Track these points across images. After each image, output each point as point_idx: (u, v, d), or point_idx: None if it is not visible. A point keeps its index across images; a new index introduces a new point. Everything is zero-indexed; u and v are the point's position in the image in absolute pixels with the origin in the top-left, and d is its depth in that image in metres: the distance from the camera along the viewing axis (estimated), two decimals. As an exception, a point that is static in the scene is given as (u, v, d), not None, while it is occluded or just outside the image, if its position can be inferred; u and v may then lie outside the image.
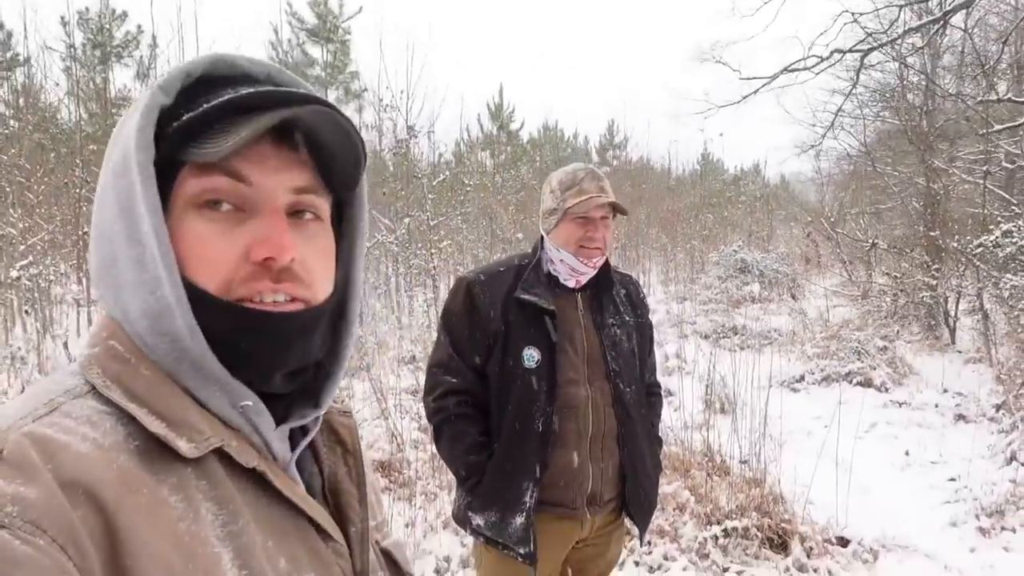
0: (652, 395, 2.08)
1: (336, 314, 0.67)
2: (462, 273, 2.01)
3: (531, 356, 1.81)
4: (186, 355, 0.55)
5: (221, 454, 0.55)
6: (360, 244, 0.69)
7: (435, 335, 2.02)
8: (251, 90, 0.56)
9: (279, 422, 0.61)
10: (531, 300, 1.82)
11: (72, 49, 11.28)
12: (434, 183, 10.95)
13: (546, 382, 1.80)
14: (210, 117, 0.55)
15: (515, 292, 1.84)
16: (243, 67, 0.60)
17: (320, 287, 0.61)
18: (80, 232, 7.96)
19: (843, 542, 3.88)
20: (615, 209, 1.87)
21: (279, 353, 0.58)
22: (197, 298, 0.55)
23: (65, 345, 5.63)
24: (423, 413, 2.53)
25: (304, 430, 0.66)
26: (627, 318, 1.97)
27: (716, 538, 3.81)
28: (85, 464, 0.47)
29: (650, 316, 2.14)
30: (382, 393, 5.16)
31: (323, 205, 0.62)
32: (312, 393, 0.65)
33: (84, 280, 7.62)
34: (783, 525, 3.90)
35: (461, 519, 1.91)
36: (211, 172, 0.55)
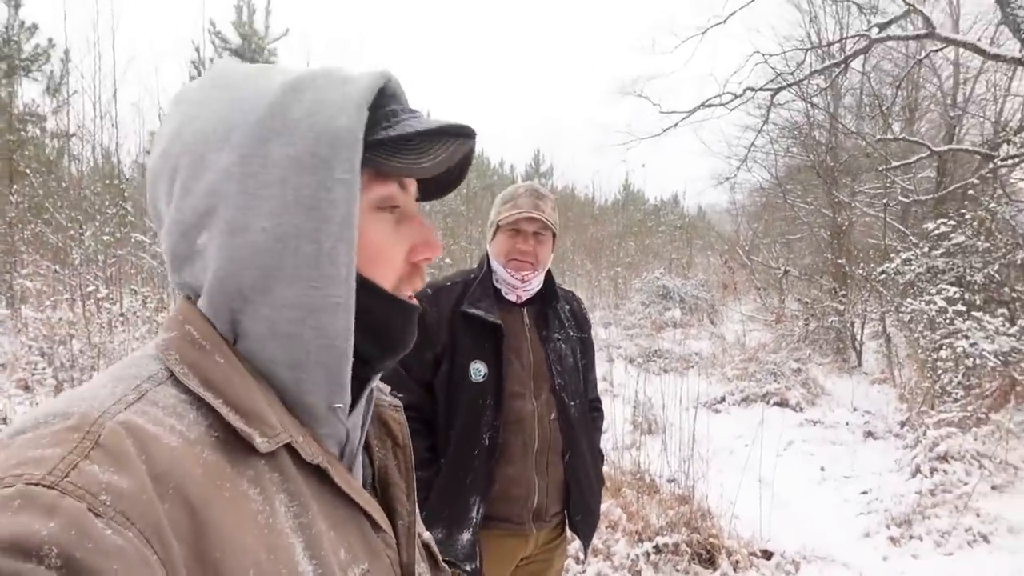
0: (594, 410, 2.11)
1: None
2: None
3: (478, 370, 1.81)
4: (322, 352, 0.57)
5: (289, 448, 0.56)
6: None
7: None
8: (449, 122, 0.61)
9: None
10: (477, 314, 1.82)
11: (-27, 60, 10.64)
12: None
13: (492, 396, 1.80)
14: (410, 136, 0.59)
15: (462, 306, 1.84)
16: (393, 85, 0.63)
17: None
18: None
19: (767, 555, 4.02)
20: (530, 218, 1.86)
21: (411, 340, 0.66)
22: (369, 292, 0.59)
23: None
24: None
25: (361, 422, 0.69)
26: (572, 333, 2.00)
27: (648, 555, 3.87)
28: (174, 459, 0.48)
29: (592, 332, 2.19)
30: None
31: None
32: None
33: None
34: (711, 540, 4.01)
35: None
36: (390, 180, 0.61)
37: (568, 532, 2.02)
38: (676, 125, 11.30)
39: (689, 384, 7.37)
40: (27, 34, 11.02)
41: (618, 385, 7.32)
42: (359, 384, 0.63)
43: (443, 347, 1.83)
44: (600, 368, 8.29)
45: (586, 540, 1.99)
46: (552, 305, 1.97)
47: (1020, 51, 8.51)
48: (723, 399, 7.55)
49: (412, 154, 0.59)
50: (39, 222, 8.24)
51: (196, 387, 0.53)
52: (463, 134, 0.62)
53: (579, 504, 1.93)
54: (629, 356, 9.33)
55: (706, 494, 4.55)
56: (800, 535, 4.15)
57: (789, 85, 10.64)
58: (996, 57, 9.03)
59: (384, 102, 0.60)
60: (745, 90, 10.60)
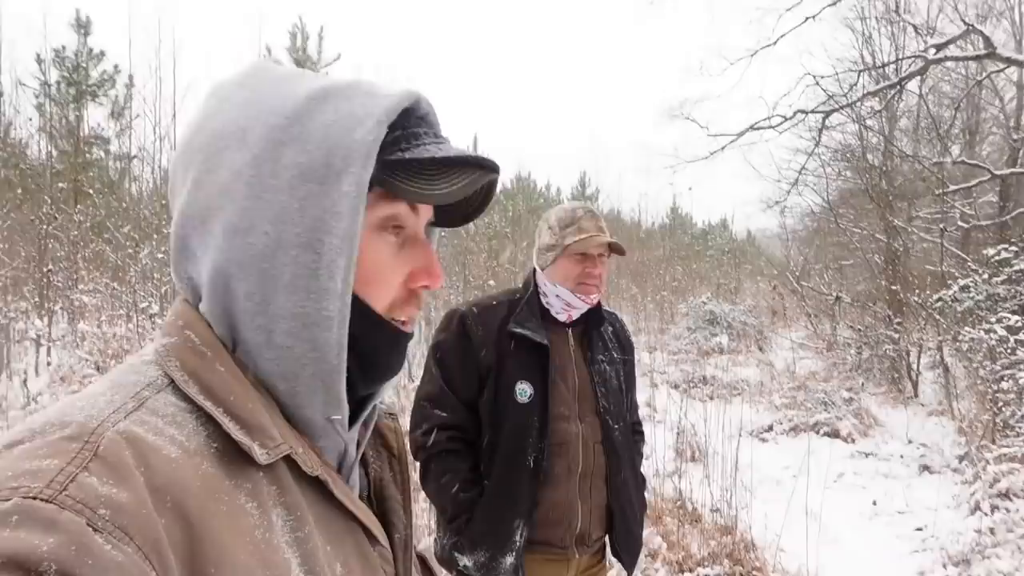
0: (636, 433, 2.08)
1: None
2: (454, 306, 1.99)
3: (524, 391, 1.80)
4: (315, 364, 0.56)
5: (288, 460, 0.55)
6: None
7: (405, 380, 2.01)
8: (471, 154, 0.60)
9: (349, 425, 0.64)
10: (525, 334, 1.81)
11: (47, 86, 11.23)
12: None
13: (538, 417, 1.78)
14: (426, 160, 0.58)
15: (508, 325, 1.83)
16: (425, 107, 0.62)
17: None
18: (44, 269, 7.80)
19: (814, 591, 3.86)
20: (612, 249, 1.89)
21: (398, 367, 0.64)
22: (365, 317, 0.59)
23: (24, 383, 5.46)
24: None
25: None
26: (615, 355, 1.98)
27: (689, 586, 3.77)
28: (173, 471, 0.47)
29: (635, 355, 2.17)
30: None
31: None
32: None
33: (47, 317, 7.44)
34: (755, 573, 3.88)
35: (446, 560, 1.86)
36: (399, 200, 0.59)
37: (609, 558, 1.99)
38: (724, 148, 11.17)
39: (735, 412, 7.20)
40: (95, 61, 11.61)
41: (661, 411, 7.18)
42: (358, 401, 0.63)
43: (488, 367, 1.82)
44: (643, 393, 8.18)
45: (629, 567, 1.95)
46: (597, 327, 1.95)
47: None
48: (770, 428, 7.33)
49: (426, 179, 0.57)
50: (100, 240, 8.60)
51: (196, 396, 0.52)
52: (483, 167, 0.60)
53: (622, 529, 1.90)
54: (673, 382, 9.17)
55: (750, 525, 4.42)
56: (849, 571, 3.99)
57: (842, 107, 10.44)
58: (1062, 78, 8.71)
59: (411, 123, 0.59)
60: (796, 112, 10.43)
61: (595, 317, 1.95)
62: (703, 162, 11.39)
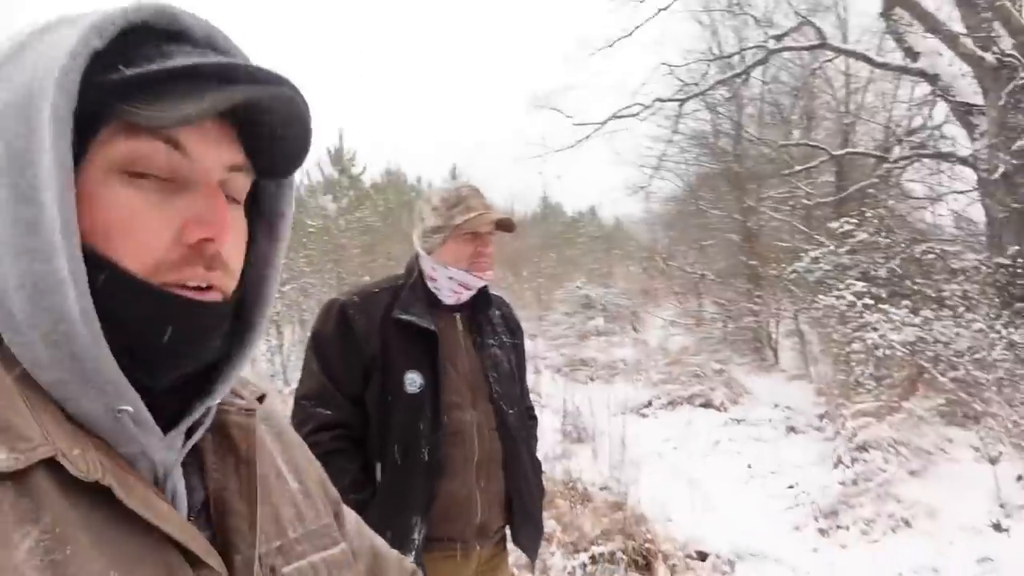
0: (530, 418, 2.02)
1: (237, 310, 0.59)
2: (333, 296, 1.85)
3: (413, 380, 1.68)
4: (69, 342, 0.46)
5: (55, 465, 0.44)
6: (282, 236, 0.62)
7: (280, 385, 1.82)
8: (218, 59, 0.50)
9: (168, 427, 0.52)
10: (411, 320, 1.70)
11: None
12: (273, 225, 10.41)
13: (430, 407, 1.68)
14: (160, 76, 0.47)
15: (393, 312, 1.71)
16: (185, 23, 0.51)
17: (236, 279, 0.55)
18: None
19: (702, 556, 4.00)
20: (501, 226, 1.80)
21: (196, 347, 0.52)
22: (114, 280, 0.47)
23: None
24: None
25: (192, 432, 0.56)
26: (505, 339, 1.90)
27: (584, 566, 3.79)
28: None
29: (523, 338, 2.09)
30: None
31: (246, 188, 0.56)
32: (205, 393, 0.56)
33: None
34: (647, 546, 3.95)
35: None
36: (150, 137, 0.48)
37: (509, 546, 1.91)
38: (589, 137, 11.54)
39: (616, 391, 7.41)
40: None
41: (546, 395, 7.26)
42: (182, 396, 0.53)
43: (373, 357, 1.69)
44: (528, 380, 8.22)
45: (532, 553, 1.89)
46: (485, 311, 1.87)
47: (903, 60, 9.10)
48: (649, 403, 7.61)
49: (170, 101, 0.47)
50: None
51: None
52: (248, 78, 0.49)
53: (522, 517, 1.83)
54: (555, 366, 9.31)
55: (639, 499, 4.52)
56: (733, 534, 4.16)
57: (694, 96, 11.03)
58: (883, 65, 9.62)
59: (140, 42, 0.49)
60: (654, 101, 10.92)
61: (483, 300, 1.86)
62: (570, 151, 11.68)
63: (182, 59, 0.48)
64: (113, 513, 0.46)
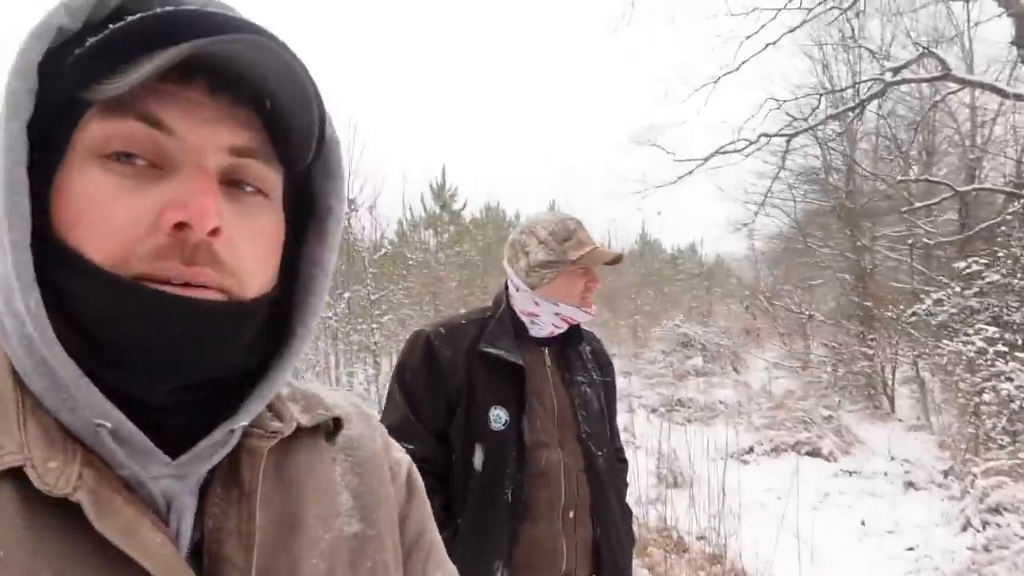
0: (620, 461, 1.92)
1: (279, 317, 0.52)
2: (420, 326, 1.82)
3: (498, 416, 1.63)
4: (35, 347, 0.42)
5: (24, 476, 0.40)
6: (331, 231, 0.55)
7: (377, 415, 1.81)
8: (170, 8, 0.43)
9: (179, 449, 0.45)
10: (498, 354, 1.65)
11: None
12: (375, 257, 10.81)
13: (515, 445, 1.62)
14: (122, 45, 0.42)
15: (479, 345, 1.67)
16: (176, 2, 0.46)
17: (252, 278, 0.47)
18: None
19: (809, 618, 3.70)
20: (612, 261, 1.75)
21: (190, 353, 0.44)
22: (78, 273, 0.42)
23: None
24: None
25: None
26: (595, 376, 1.83)
27: (680, 620, 3.58)
28: None
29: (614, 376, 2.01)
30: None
31: (271, 178, 0.49)
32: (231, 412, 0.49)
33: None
34: (748, 603, 3.71)
35: None
36: (122, 115, 0.43)
37: None
38: (691, 172, 11.35)
39: (715, 434, 7.09)
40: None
41: (640, 436, 7.03)
42: (204, 414, 0.47)
43: (459, 391, 1.65)
44: (621, 418, 8.01)
45: None
46: (575, 346, 1.80)
47: (1040, 89, 8.42)
48: (751, 449, 7.22)
49: (126, 72, 0.42)
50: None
51: None
52: (197, 30, 0.42)
53: (611, 566, 1.72)
54: (651, 406, 9.04)
55: (739, 552, 4.26)
56: (845, 596, 3.83)
57: (804, 131, 10.64)
58: (1014, 96, 8.96)
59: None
60: (760, 136, 10.63)
61: (573, 335, 1.80)
62: (671, 187, 11.53)
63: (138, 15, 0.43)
64: (84, 536, 0.41)
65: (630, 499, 1.94)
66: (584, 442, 1.70)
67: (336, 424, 0.58)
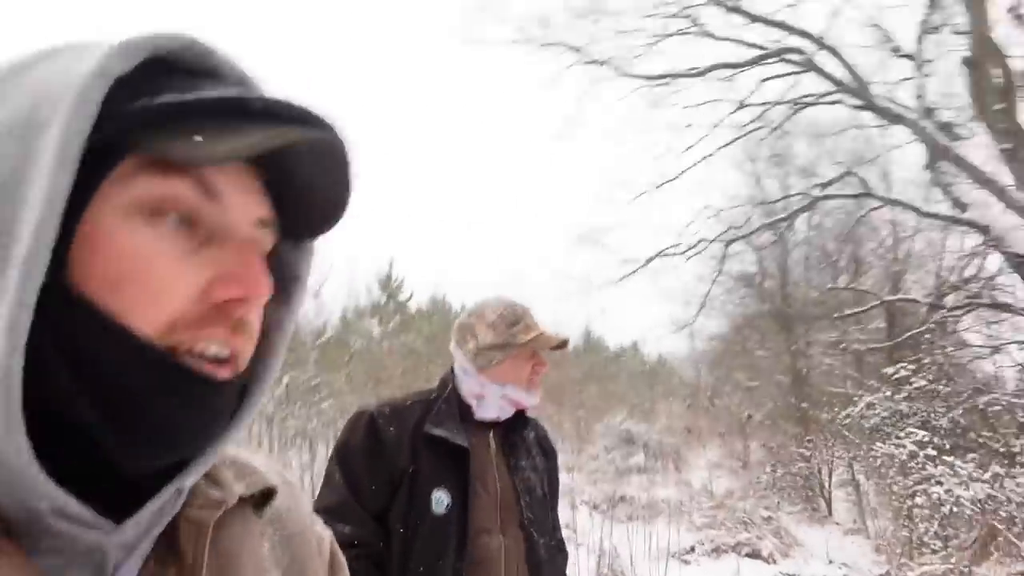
0: (560, 551, 1.88)
1: None
2: (362, 405, 1.76)
3: (440, 500, 1.59)
4: None
5: None
6: (298, 301, 0.53)
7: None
8: (263, 96, 0.42)
9: (121, 512, 0.42)
10: (443, 436, 1.63)
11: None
12: (318, 342, 10.62)
13: (456, 530, 1.58)
14: (196, 107, 0.40)
15: (424, 427, 1.65)
16: (218, 61, 0.45)
17: (254, 349, 0.47)
18: None
19: None
20: (559, 346, 1.79)
21: (195, 431, 0.43)
22: (111, 339, 0.39)
23: None
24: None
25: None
26: (539, 462, 1.81)
27: None
28: None
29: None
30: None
31: (268, 247, 0.48)
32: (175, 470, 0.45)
33: None
34: None
35: None
36: (179, 176, 0.41)
37: None
38: (634, 273, 11.71)
39: (656, 532, 6.99)
40: None
41: (582, 532, 6.87)
42: (132, 486, 0.43)
43: (403, 471, 1.61)
44: (563, 514, 7.85)
45: None
46: (520, 431, 1.79)
47: (952, 210, 9.13)
48: (692, 549, 7.13)
49: (209, 135, 0.40)
50: None
51: None
52: (289, 117, 0.41)
53: None
54: (593, 502, 8.90)
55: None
56: None
57: (739, 238, 11.19)
58: (930, 215, 9.67)
59: (166, 74, 0.43)
60: (699, 241, 11.13)
61: (519, 420, 1.79)
62: (614, 286, 11.83)
63: (221, 91, 0.42)
64: None
65: None
66: (527, 528, 1.67)
67: (266, 495, 0.54)
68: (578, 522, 7.38)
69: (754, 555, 6.86)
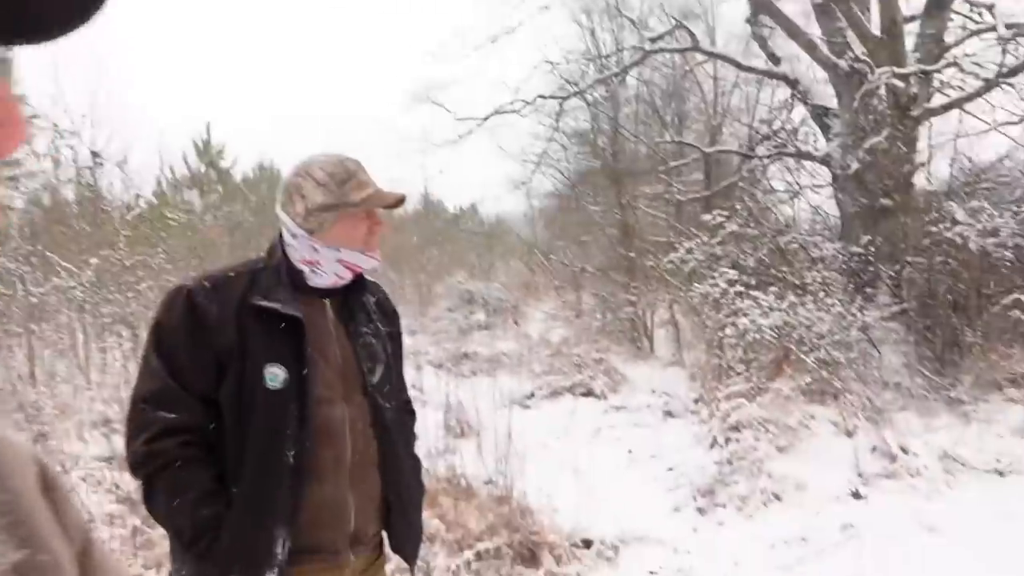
0: (409, 412, 1.86)
1: None
2: (179, 281, 1.62)
3: (275, 375, 1.49)
4: None
5: None
6: None
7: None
8: None
9: None
10: (272, 307, 1.50)
11: None
12: (128, 218, 9.58)
13: (296, 403, 1.49)
14: None
15: (251, 298, 1.51)
16: None
17: None
18: None
19: (587, 544, 3.98)
20: (397, 203, 1.69)
21: None
22: None
23: None
24: (124, 480, 2.00)
25: None
26: (381, 327, 1.73)
27: (469, 563, 3.67)
28: None
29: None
30: (63, 465, 4.24)
31: None
32: None
33: None
34: (532, 538, 3.89)
35: None
36: None
37: (387, 552, 1.76)
38: (471, 132, 11.55)
39: (499, 384, 7.35)
40: None
41: (428, 391, 7.07)
42: None
43: (228, 350, 1.48)
44: (409, 375, 8.02)
45: (412, 560, 1.75)
46: (358, 296, 1.69)
47: (767, 64, 9.68)
48: (532, 395, 7.62)
49: None
50: None
51: None
52: None
53: (401, 521, 1.68)
54: (438, 361, 9.15)
55: (524, 492, 4.44)
56: (617, 519, 4.16)
57: (574, 94, 11.25)
58: (749, 69, 10.20)
59: None
60: (536, 98, 11.08)
61: (357, 285, 1.68)
62: (453, 145, 11.66)
63: None
64: None
65: (420, 452, 1.89)
66: (371, 395, 1.62)
67: None
68: (424, 381, 7.58)
69: (588, 394, 7.48)
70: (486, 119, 11.33)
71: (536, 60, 11.33)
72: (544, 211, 15.83)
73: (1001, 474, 4.45)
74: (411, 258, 15.96)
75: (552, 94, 11.20)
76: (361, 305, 1.70)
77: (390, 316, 1.82)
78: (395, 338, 1.80)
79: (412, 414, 1.90)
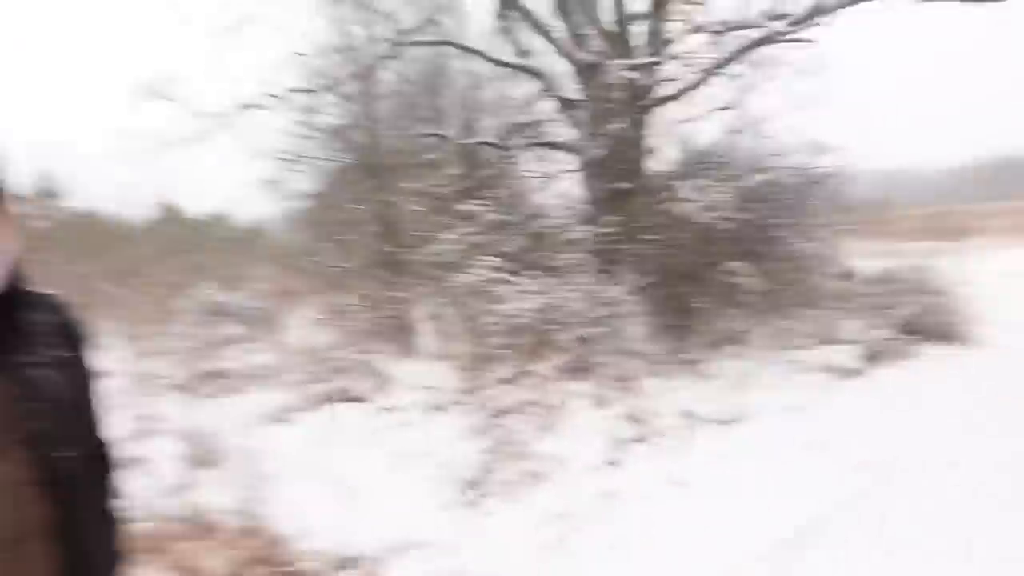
0: (100, 459, 1.43)
1: None
2: None
3: None
4: None
5: None
6: None
7: None
8: None
9: None
10: None
11: None
12: None
13: None
14: None
15: None
16: None
17: None
18: None
19: (352, 562, 3.65)
20: None
21: None
22: None
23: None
24: None
25: None
26: (62, 354, 1.32)
27: (210, 614, 3.13)
28: None
29: (94, 351, 1.43)
30: None
31: None
32: None
33: None
34: (287, 569, 3.46)
35: None
36: None
37: None
38: (213, 129, 10.68)
39: (253, 401, 6.71)
40: None
41: (166, 420, 6.17)
42: None
43: None
44: (145, 404, 6.96)
45: None
46: (8, 317, 1.24)
47: (515, 58, 10.02)
48: (290, 408, 7.03)
49: None
50: None
51: None
52: None
53: None
54: (179, 384, 8.12)
55: (279, 517, 3.98)
56: (383, 528, 3.88)
57: (326, 88, 10.76)
58: (499, 63, 10.49)
59: None
60: (286, 92, 10.46)
61: (16, 304, 1.25)
62: (192, 145, 10.71)
63: None
64: None
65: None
66: (36, 446, 1.20)
67: None
68: (161, 409, 6.64)
69: (353, 399, 7.05)
70: (230, 115, 10.52)
71: (285, 54, 10.69)
72: (301, 212, 14.97)
73: (728, 422, 4.90)
74: (145, 272, 14.20)
75: (302, 88, 10.68)
76: (24, 328, 1.25)
77: (74, 339, 1.36)
78: (81, 368, 1.35)
79: (106, 460, 1.44)
